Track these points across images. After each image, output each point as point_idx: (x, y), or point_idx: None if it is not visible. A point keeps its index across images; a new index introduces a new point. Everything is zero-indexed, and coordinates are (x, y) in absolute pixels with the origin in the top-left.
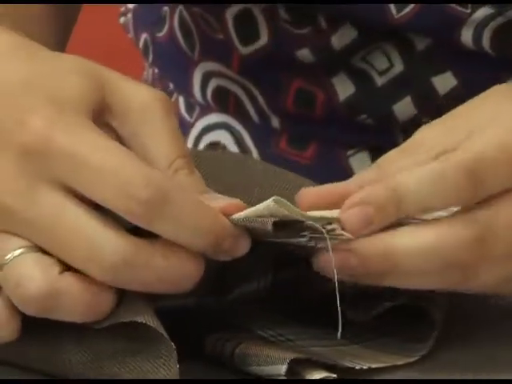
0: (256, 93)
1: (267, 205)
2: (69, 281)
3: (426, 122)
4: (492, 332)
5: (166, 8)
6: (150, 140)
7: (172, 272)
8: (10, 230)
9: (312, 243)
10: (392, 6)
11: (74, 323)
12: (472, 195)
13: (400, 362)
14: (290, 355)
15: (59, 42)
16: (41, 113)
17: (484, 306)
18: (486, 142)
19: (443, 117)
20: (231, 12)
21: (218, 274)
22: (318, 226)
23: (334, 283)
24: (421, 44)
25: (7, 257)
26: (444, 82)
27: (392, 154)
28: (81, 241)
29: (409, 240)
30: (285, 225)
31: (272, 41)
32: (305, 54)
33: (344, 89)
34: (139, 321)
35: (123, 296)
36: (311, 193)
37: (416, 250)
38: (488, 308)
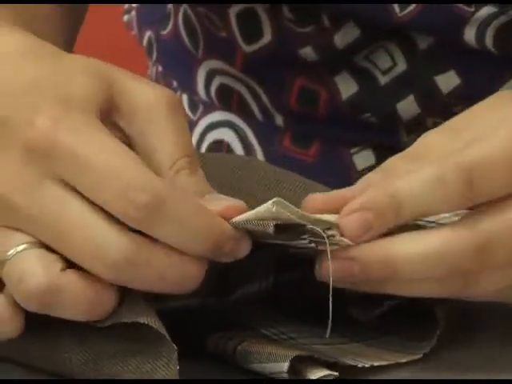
0: (259, 91)
1: (268, 207)
2: (71, 278)
3: (429, 121)
4: (494, 332)
5: (170, 6)
6: (155, 139)
7: (174, 271)
8: (13, 226)
9: (313, 245)
10: (395, 5)
11: (77, 322)
12: (471, 200)
13: (403, 360)
14: (293, 353)
15: (67, 41)
16: (47, 112)
17: (487, 306)
18: (486, 147)
19: (448, 122)
20: (234, 10)
21: (221, 274)
22: (319, 229)
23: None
24: (424, 43)
25: (10, 252)
26: (447, 81)
27: (397, 158)
28: (83, 238)
29: (410, 247)
30: (286, 227)
31: (275, 39)
32: (308, 52)
33: (347, 88)
34: (141, 322)
35: (126, 296)
36: (318, 199)
37: (417, 256)
38: (491, 308)
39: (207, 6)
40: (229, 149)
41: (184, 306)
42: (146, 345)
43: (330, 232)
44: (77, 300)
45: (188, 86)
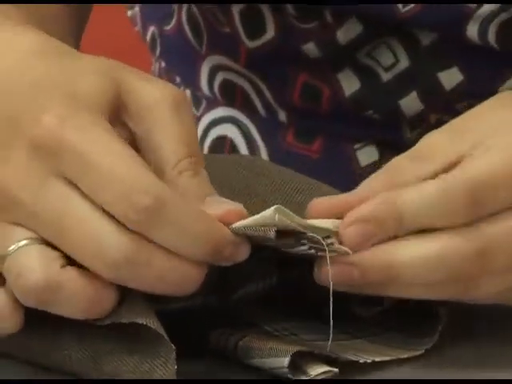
0: (263, 87)
1: (270, 215)
2: (71, 275)
3: (432, 117)
4: (495, 330)
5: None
6: (160, 138)
7: (173, 273)
8: (16, 221)
9: (312, 251)
10: None
11: (76, 320)
12: (473, 216)
13: (405, 356)
14: (293, 348)
15: (75, 41)
16: (54, 110)
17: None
18: (489, 161)
19: (449, 123)
20: (238, 7)
21: (221, 274)
22: (319, 238)
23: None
24: (426, 39)
25: (11, 248)
26: (450, 78)
27: (401, 158)
28: (85, 235)
29: (409, 252)
30: (286, 232)
31: (278, 35)
32: (311, 48)
33: (349, 84)
34: (140, 322)
35: (126, 296)
36: (322, 204)
37: (418, 260)
38: (491, 306)
39: (210, 5)
40: (232, 144)
41: (185, 307)
42: (145, 345)
43: (329, 240)
44: (76, 297)
45: (191, 82)
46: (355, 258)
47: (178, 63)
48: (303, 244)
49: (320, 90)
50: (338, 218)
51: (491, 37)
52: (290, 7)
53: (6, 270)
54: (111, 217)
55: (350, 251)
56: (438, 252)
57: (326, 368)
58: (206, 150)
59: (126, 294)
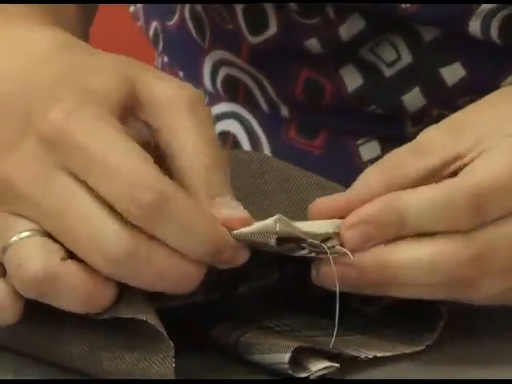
0: (265, 82)
1: (270, 224)
2: (70, 268)
3: (435, 112)
4: (495, 328)
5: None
6: (173, 135)
7: (173, 271)
8: (19, 213)
9: (313, 255)
10: None
11: (78, 315)
12: (474, 223)
13: (406, 351)
14: (294, 344)
15: (86, 40)
16: (63, 105)
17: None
18: (491, 168)
19: (449, 118)
20: (241, 4)
21: (220, 273)
22: (320, 243)
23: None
24: (429, 35)
25: (12, 239)
26: (452, 73)
27: (398, 152)
28: (87, 230)
29: (406, 254)
30: (287, 239)
31: (281, 31)
32: (313, 44)
33: (352, 80)
34: (139, 318)
35: (125, 293)
36: (324, 204)
37: (411, 263)
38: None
39: (215, 5)
40: (234, 140)
41: (185, 305)
42: (144, 341)
43: (329, 244)
44: (75, 291)
45: (194, 77)
46: (353, 259)
47: (181, 58)
48: (303, 248)
49: (322, 86)
50: (339, 218)
51: (493, 32)
52: (292, 3)
53: (7, 261)
54: (114, 212)
55: (349, 253)
56: (431, 256)
57: (327, 363)
58: None
59: (125, 292)
